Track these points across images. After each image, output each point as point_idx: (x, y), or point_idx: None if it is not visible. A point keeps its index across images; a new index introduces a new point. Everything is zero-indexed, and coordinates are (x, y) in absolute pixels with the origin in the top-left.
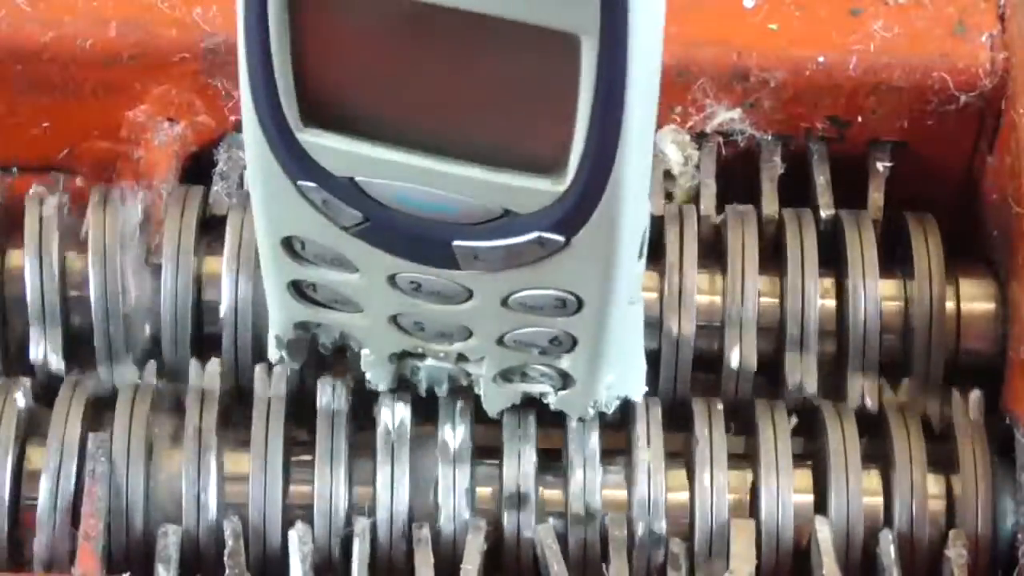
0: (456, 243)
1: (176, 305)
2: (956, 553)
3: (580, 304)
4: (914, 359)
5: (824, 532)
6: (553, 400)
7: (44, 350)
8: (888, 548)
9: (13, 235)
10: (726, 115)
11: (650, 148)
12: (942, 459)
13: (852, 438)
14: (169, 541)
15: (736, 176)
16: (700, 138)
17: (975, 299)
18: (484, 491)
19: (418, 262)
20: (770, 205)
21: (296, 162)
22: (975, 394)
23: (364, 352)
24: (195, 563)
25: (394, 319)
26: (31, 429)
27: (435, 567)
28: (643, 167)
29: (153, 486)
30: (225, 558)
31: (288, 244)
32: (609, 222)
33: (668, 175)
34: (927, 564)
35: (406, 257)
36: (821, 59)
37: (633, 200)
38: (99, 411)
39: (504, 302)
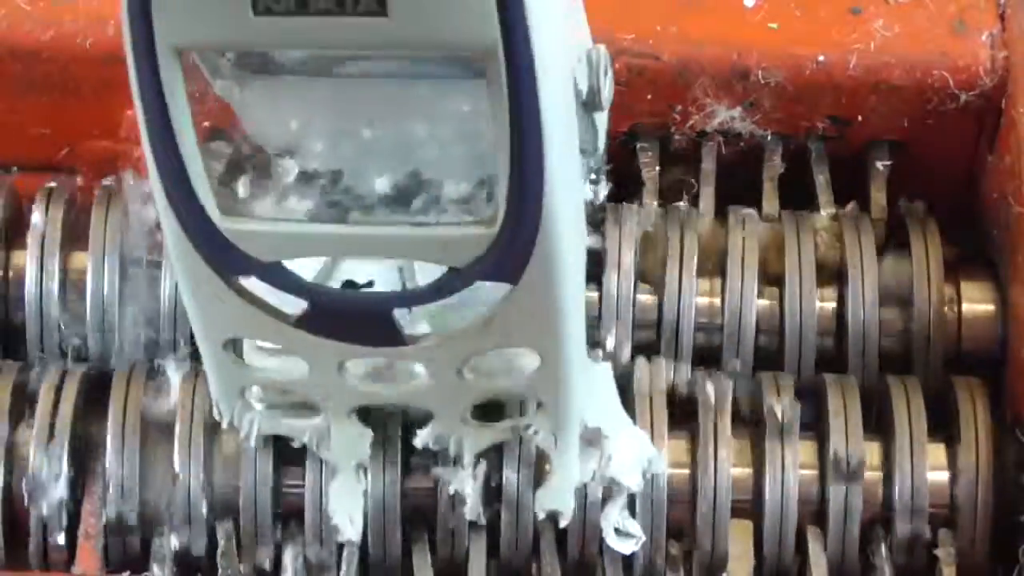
0: (397, 312)
1: (175, 305)
2: (945, 552)
3: (535, 360)
4: (914, 359)
5: (816, 547)
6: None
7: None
8: (880, 547)
9: (14, 235)
10: (726, 114)
11: (578, 171)
12: (945, 457)
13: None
14: (164, 541)
15: (736, 176)
16: (700, 137)
17: (975, 300)
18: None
19: (365, 344)
20: (770, 204)
21: (222, 255)
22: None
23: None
24: (190, 564)
25: (353, 412)
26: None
27: (435, 567)
28: (574, 195)
29: (149, 485)
30: (219, 558)
31: (231, 348)
32: (550, 259)
33: None
34: (926, 565)
35: (351, 340)
36: (821, 58)
37: (572, 234)
38: (95, 409)
39: (459, 373)
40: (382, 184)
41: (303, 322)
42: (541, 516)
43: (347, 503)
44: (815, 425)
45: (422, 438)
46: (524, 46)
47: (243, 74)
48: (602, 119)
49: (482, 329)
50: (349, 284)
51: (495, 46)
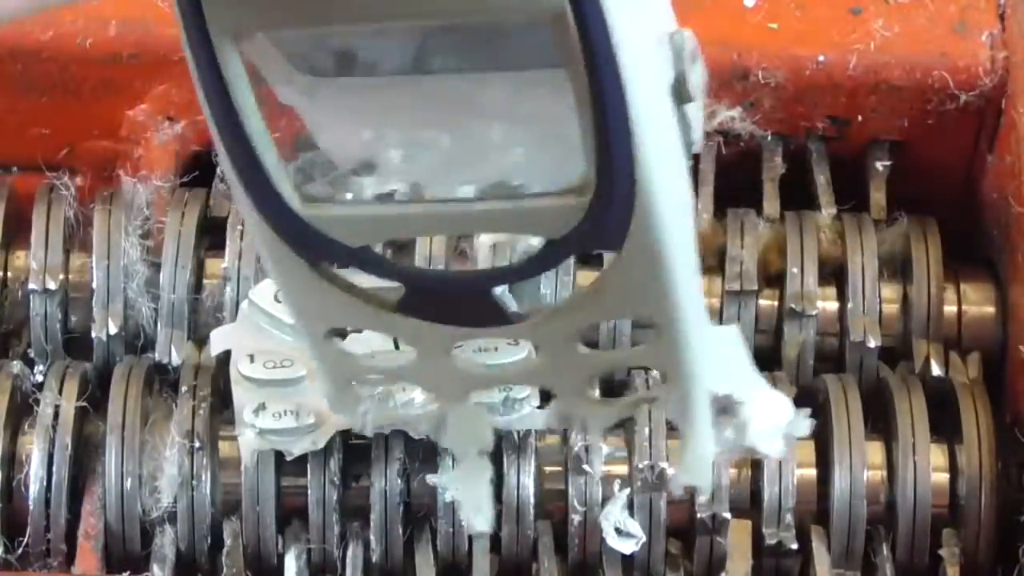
0: (498, 290)
1: (175, 306)
2: (949, 552)
3: (651, 328)
4: (914, 359)
5: (821, 550)
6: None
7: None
8: (881, 547)
9: (15, 234)
10: (726, 114)
11: (673, 125)
12: (946, 457)
13: (857, 419)
14: (165, 541)
15: (736, 176)
16: None
17: (975, 300)
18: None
19: (468, 325)
20: (770, 205)
21: (307, 243)
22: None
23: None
24: (192, 563)
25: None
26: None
27: (435, 568)
28: (670, 153)
29: (151, 486)
30: (223, 558)
31: (333, 338)
32: (651, 220)
33: None
34: (926, 565)
35: (454, 323)
36: (821, 59)
37: (674, 193)
38: (96, 410)
39: (571, 348)
40: (466, 193)
41: (402, 306)
42: (679, 494)
43: (473, 493)
44: (818, 425)
45: (545, 419)
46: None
47: (312, 80)
48: (695, 111)
49: (591, 299)
50: None
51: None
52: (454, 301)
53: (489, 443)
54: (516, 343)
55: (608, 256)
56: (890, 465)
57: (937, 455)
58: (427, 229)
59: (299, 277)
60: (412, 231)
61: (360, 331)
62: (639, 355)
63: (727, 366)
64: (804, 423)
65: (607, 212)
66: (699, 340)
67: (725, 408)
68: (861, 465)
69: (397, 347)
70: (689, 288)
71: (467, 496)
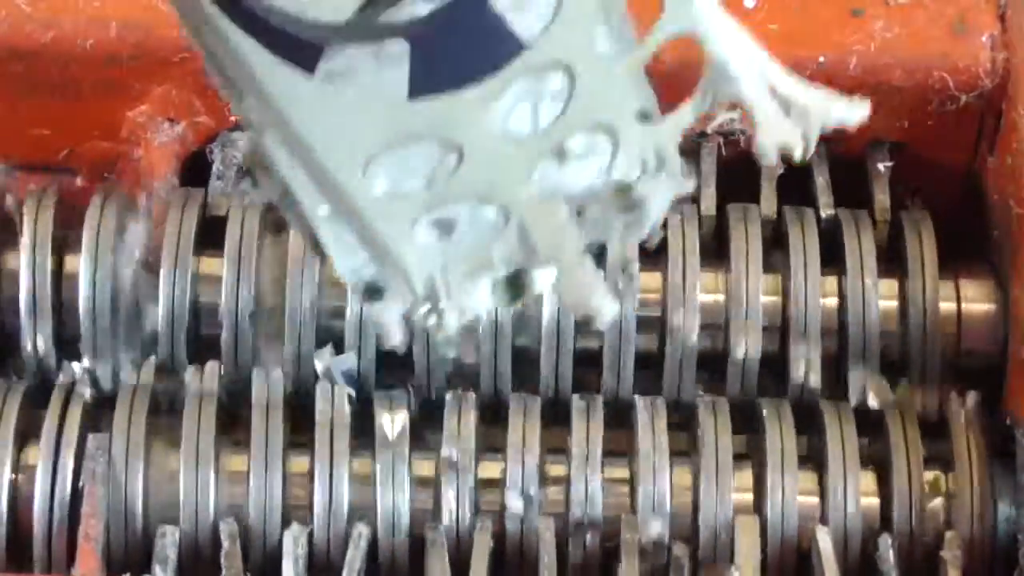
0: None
1: (174, 306)
2: (951, 555)
3: None
4: (912, 359)
5: (825, 542)
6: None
7: (36, 348)
8: (888, 554)
9: (13, 234)
10: (726, 115)
11: None
12: (940, 459)
13: (851, 439)
14: (167, 542)
15: (736, 176)
16: (700, 138)
17: (975, 299)
18: (487, 492)
19: (484, 71)
20: (770, 205)
21: (297, 42)
22: (972, 395)
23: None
24: (193, 564)
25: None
26: (29, 429)
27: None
28: None
29: (151, 487)
30: (221, 559)
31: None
32: None
33: None
34: (923, 565)
35: (467, 71)
36: (821, 59)
37: None
38: (96, 412)
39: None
40: None
41: (415, 83)
42: (773, 159)
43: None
44: (813, 454)
45: (620, 169)
46: None
47: None
48: None
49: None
50: None
51: None
52: (459, 40)
53: (580, 240)
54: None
55: None
56: (885, 487)
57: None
58: None
59: (308, 102)
60: None
61: None
62: (663, 27)
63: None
64: (864, 105)
65: None
66: (713, 3)
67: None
68: (855, 491)
69: None
70: None
71: (584, 293)
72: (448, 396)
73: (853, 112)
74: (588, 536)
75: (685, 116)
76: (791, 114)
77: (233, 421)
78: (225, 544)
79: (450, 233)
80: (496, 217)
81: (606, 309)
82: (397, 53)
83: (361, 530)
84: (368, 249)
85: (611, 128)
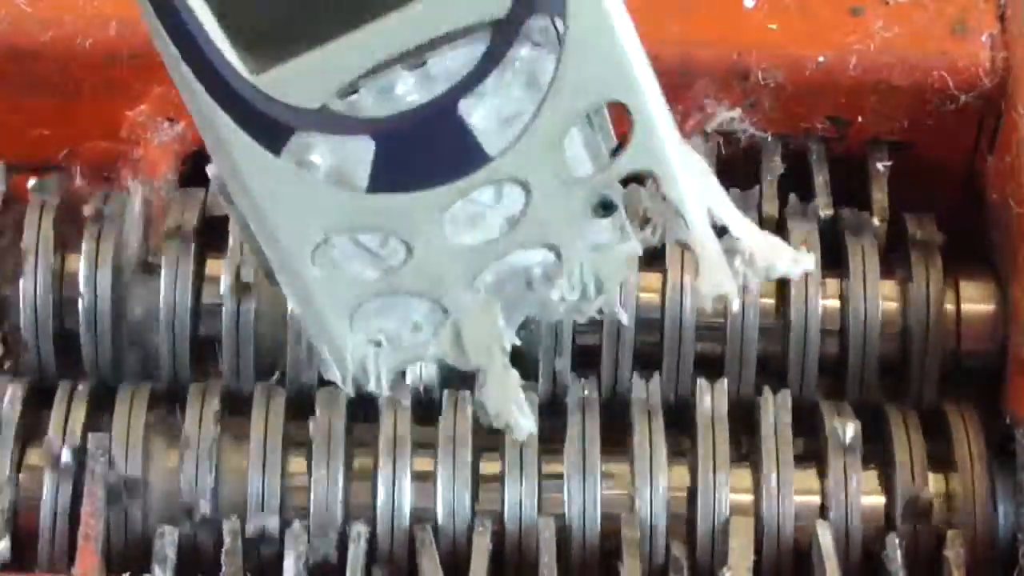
0: (462, 103)
1: (175, 306)
2: (955, 554)
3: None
4: (913, 359)
5: (826, 538)
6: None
7: (38, 347)
8: (895, 553)
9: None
10: (726, 115)
11: None
12: (941, 459)
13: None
14: (166, 541)
15: (736, 176)
16: (700, 138)
17: (975, 300)
18: (487, 491)
19: (449, 177)
20: (770, 205)
21: (269, 119)
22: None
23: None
24: (193, 563)
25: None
26: (30, 429)
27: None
28: None
29: (151, 486)
30: (222, 557)
31: (322, 257)
32: None
33: None
34: (926, 565)
35: (431, 176)
36: (821, 59)
37: None
38: (97, 412)
39: (560, 172)
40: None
41: (375, 178)
42: (708, 306)
43: (508, 398)
44: (811, 453)
45: (559, 290)
46: None
47: None
48: None
49: (557, 97)
50: None
51: None
52: (426, 144)
53: (510, 338)
54: (503, 197)
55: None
56: (888, 487)
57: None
58: (379, 51)
59: (269, 178)
60: (364, 62)
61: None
62: (624, 162)
63: (709, 189)
64: (808, 257)
65: None
66: (676, 147)
67: (726, 246)
68: (858, 491)
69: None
70: (642, 62)
71: (504, 404)
72: (444, 397)
73: (798, 267)
74: (587, 535)
75: (634, 248)
76: (736, 260)
77: (235, 419)
78: (227, 542)
79: (387, 322)
80: (434, 314)
81: (522, 424)
82: (363, 147)
83: (361, 529)
84: (307, 321)
85: (559, 250)
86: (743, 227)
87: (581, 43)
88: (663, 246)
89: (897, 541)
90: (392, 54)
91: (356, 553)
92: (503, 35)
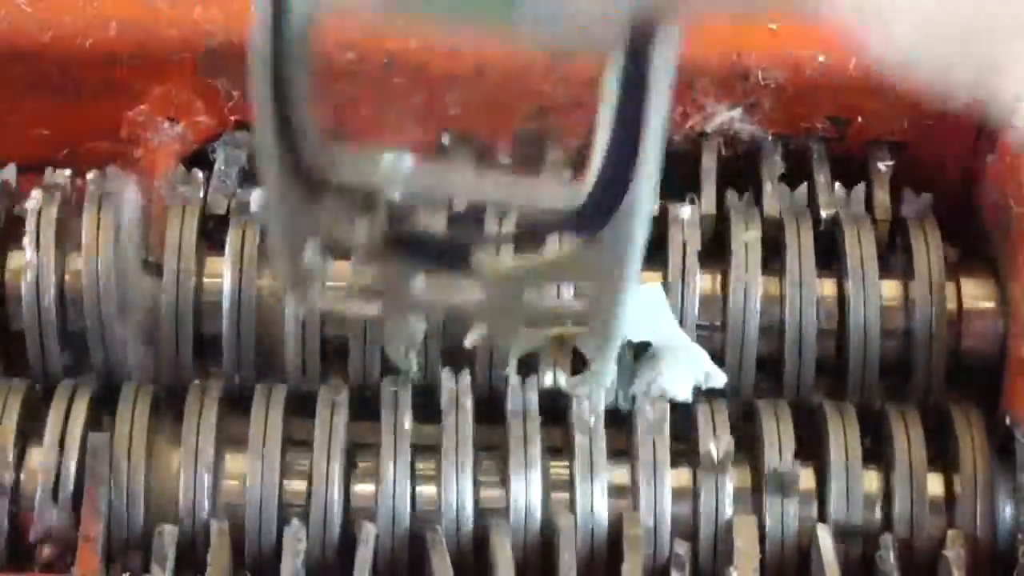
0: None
1: (177, 305)
2: (955, 554)
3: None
4: (914, 358)
5: (826, 541)
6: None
7: (41, 346)
8: (888, 554)
9: (14, 234)
10: (726, 115)
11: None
12: (941, 459)
13: (853, 438)
14: (165, 541)
15: (736, 176)
16: (700, 138)
17: (975, 299)
18: (488, 491)
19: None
20: (770, 205)
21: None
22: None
23: None
24: (192, 562)
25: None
26: (31, 429)
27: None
28: (656, 164)
29: (151, 486)
30: (208, 557)
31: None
32: (633, 215)
33: None
34: (926, 564)
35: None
36: (821, 59)
37: (647, 200)
38: (97, 411)
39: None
40: None
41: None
42: (581, 403)
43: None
44: (812, 451)
45: (471, 339)
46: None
47: None
48: None
49: (551, 265)
50: None
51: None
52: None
53: (417, 342)
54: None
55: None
56: (887, 487)
57: (935, 485)
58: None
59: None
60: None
61: None
62: (576, 309)
63: (650, 319)
64: (719, 376)
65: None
66: (628, 299)
67: (642, 356)
68: (859, 491)
69: None
70: (637, 261)
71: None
72: (444, 398)
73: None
74: (593, 535)
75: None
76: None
77: (233, 419)
78: (213, 541)
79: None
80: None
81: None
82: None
83: (370, 530)
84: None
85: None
86: (668, 343)
87: (601, 249)
88: (663, 246)
89: (890, 541)
90: None
91: (364, 554)
92: (549, 225)
